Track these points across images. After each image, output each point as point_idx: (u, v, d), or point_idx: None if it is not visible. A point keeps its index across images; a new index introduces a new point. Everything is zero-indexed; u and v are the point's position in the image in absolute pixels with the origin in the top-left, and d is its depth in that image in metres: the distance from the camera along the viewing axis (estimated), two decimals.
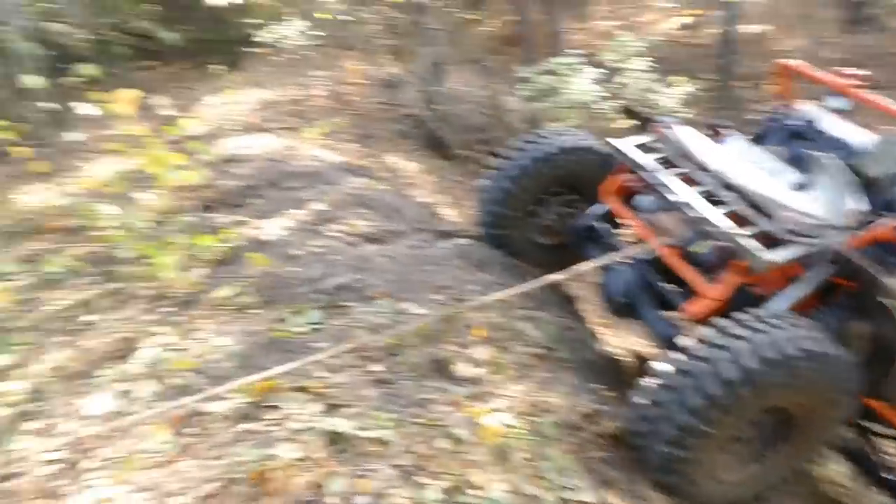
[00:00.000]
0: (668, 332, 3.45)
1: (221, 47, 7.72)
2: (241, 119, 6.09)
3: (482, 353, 3.20)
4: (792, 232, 3.16)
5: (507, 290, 3.20)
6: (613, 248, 3.89)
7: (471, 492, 2.39)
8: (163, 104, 4.20)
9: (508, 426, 2.76)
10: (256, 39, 7.45)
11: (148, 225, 3.80)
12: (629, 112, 4.56)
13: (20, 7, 5.80)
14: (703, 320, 3.18)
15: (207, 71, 7.10)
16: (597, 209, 4.19)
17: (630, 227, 4.03)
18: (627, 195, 4.00)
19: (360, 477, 2.35)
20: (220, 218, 4.45)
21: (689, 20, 13.13)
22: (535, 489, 2.55)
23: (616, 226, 4.34)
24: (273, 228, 4.19)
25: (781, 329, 2.82)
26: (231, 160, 5.01)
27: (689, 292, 3.45)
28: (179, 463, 2.41)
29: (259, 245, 3.96)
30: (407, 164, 7.04)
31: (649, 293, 3.70)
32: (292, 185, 4.87)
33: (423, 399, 2.78)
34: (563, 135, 4.26)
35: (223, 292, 3.58)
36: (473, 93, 8.91)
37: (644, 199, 3.83)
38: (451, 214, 5.57)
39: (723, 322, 2.91)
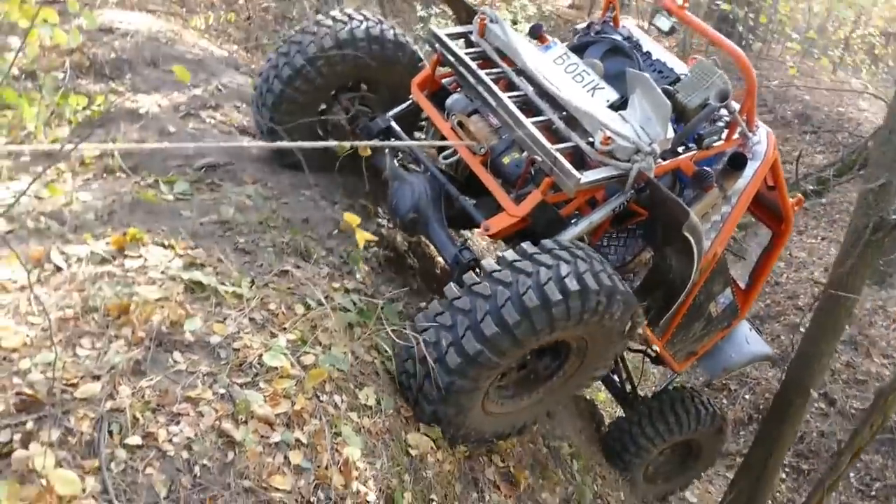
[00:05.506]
0: (455, 253, 3.14)
1: None
2: None
3: (342, 245, 3.46)
4: (606, 153, 2.90)
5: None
6: (408, 155, 3.49)
7: (316, 347, 2.68)
8: None
9: (357, 305, 3.06)
10: None
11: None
12: None
13: None
14: (502, 237, 3.05)
15: None
16: (399, 110, 3.65)
17: (436, 130, 3.52)
18: (440, 94, 3.52)
19: (218, 322, 2.56)
20: (91, 85, 4.35)
21: None
22: (369, 357, 2.89)
23: (418, 129, 3.94)
24: (149, 104, 4.17)
25: (583, 260, 2.68)
26: (109, 31, 4.84)
27: (486, 206, 3.17)
28: (37, 290, 2.48)
29: (133, 115, 3.96)
30: None
31: (442, 208, 3.32)
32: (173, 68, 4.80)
33: (283, 271, 3.01)
34: (350, 22, 3.54)
35: (90, 153, 3.56)
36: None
37: (457, 100, 3.39)
38: None
39: (525, 247, 2.73)
